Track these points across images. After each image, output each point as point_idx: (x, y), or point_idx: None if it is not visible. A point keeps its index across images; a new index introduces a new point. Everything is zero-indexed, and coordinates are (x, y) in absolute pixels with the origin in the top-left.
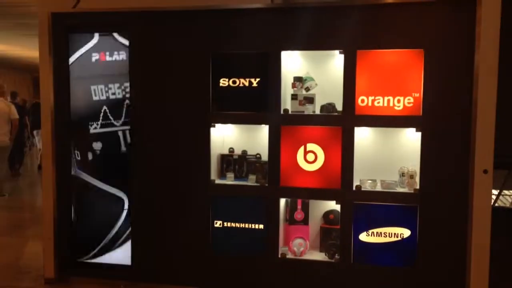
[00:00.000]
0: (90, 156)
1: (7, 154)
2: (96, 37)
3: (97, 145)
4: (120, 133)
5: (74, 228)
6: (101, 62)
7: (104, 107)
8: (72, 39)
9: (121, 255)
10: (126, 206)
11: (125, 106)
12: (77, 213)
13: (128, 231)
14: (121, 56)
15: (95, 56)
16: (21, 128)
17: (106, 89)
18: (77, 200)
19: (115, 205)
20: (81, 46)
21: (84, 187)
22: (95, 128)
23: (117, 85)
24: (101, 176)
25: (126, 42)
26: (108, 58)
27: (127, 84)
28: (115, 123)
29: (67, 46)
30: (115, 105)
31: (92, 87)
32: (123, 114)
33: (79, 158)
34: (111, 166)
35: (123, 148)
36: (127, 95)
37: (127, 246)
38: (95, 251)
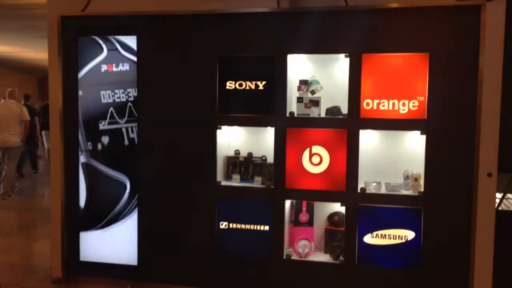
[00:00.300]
0: (99, 147)
1: (19, 154)
2: (105, 52)
3: (105, 139)
4: (123, 129)
5: (85, 206)
6: (109, 72)
7: (111, 108)
8: (86, 52)
9: (123, 226)
10: (128, 188)
11: (128, 107)
12: (88, 192)
13: (128, 208)
14: (125, 67)
15: (104, 67)
16: (32, 130)
17: (113, 93)
18: (88, 182)
19: (118, 187)
20: (93, 59)
21: (94, 172)
22: (104, 125)
23: (121, 90)
24: (108, 163)
25: (129, 56)
26: (114, 69)
27: (130, 90)
28: (119, 121)
29: (76, 49)
30: (119, 107)
31: (101, 92)
32: (126, 114)
33: (90, 149)
34: (116, 156)
35: (126, 141)
36: (130, 99)
37: (128, 220)
38: (102, 223)
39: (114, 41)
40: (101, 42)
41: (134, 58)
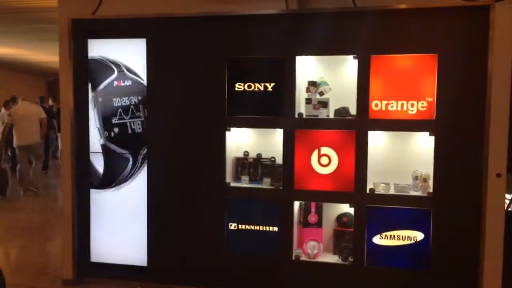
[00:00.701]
0: (112, 135)
1: (42, 151)
2: (116, 73)
3: (116, 129)
4: (127, 123)
5: (103, 173)
6: (118, 86)
7: (120, 109)
8: (103, 73)
9: (129, 187)
10: (130, 161)
11: (130, 108)
12: (105, 164)
13: (131, 174)
14: (128, 83)
15: (115, 83)
16: (49, 130)
17: (120, 100)
18: (105, 157)
19: (125, 160)
20: (108, 78)
21: (109, 151)
22: (115, 120)
23: (126, 97)
24: (118, 145)
25: (131, 75)
26: (122, 84)
27: (132, 97)
28: (125, 118)
29: (86, 51)
30: (125, 108)
31: (113, 99)
32: (129, 113)
33: (107, 136)
34: (122, 140)
35: (129, 131)
36: (132, 103)
37: (132, 182)
38: (114, 184)
39: (122, 66)
40: (113, 66)
41: (134, 77)
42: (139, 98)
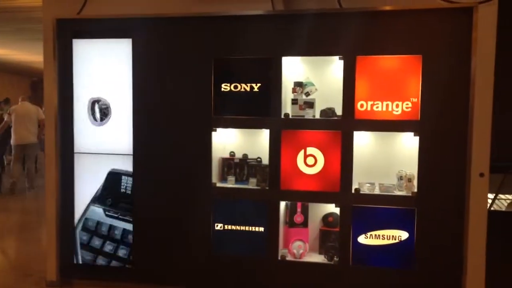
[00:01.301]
0: (98, 116)
1: (36, 152)
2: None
3: (100, 113)
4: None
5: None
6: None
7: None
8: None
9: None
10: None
11: (106, 106)
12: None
13: (105, 122)
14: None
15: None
16: None
17: (101, 103)
18: (96, 117)
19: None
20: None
21: (99, 117)
22: (100, 108)
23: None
24: (99, 118)
25: (104, 100)
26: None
27: (106, 104)
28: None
29: (71, 51)
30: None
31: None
32: (108, 107)
33: (97, 116)
34: (100, 112)
35: (109, 116)
36: (104, 106)
37: (110, 120)
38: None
39: (102, 98)
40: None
41: (105, 99)
42: (106, 104)
